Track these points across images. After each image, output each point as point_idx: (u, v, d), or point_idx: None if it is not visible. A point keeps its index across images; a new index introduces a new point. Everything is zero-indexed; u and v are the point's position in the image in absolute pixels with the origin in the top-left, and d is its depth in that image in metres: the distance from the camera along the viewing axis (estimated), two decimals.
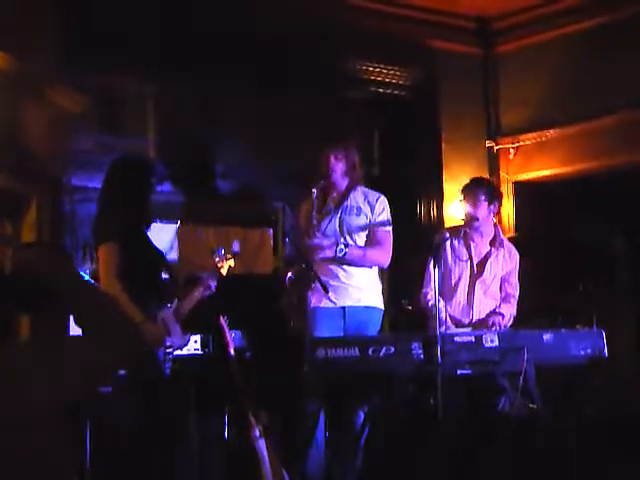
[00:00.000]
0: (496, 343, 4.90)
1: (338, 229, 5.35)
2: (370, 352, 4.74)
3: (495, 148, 8.08)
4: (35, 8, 6.00)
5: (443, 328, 5.27)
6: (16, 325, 2.56)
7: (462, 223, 5.81)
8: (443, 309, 5.46)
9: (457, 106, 7.98)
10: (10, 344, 2.48)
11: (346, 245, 5.24)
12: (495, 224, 5.77)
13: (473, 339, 4.90)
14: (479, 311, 5.56)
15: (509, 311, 5.58)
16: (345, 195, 5.41)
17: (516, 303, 5.66)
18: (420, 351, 4.78)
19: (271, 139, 7.21)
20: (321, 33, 7.15)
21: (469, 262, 5.60)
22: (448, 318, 5.51)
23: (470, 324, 5.55)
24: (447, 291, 5.60)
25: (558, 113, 7.69)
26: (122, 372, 4.38)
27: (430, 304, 5.55)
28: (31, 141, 5.90)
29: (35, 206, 6.10)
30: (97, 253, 4.60)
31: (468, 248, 5.62)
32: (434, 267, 5.01)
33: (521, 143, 7.95)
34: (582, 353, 5.09)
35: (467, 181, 5.89)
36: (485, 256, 5.62)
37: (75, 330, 2.52)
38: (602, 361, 5.12)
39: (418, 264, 5.61)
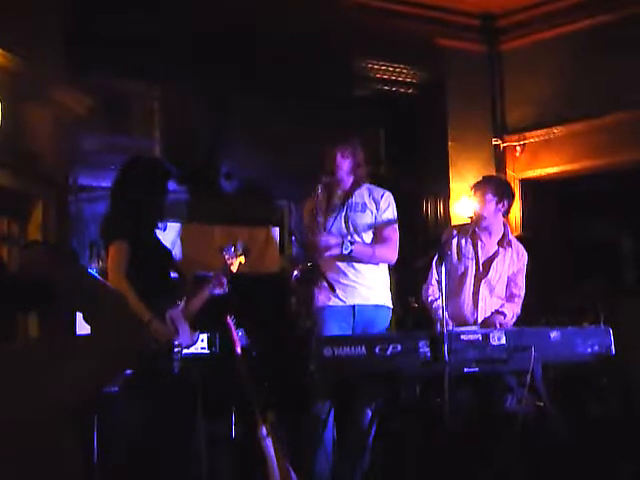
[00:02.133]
0: (503, 341, 4.88)
1: (344, 226, 5.34)
2: (377, 350, 4.72)
3: (501, 146, 8.09)
4: (43, 8, 6.01)
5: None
6: (23, 325, 2.56)
7: (470, 221, 5.79)
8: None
9: (463, 104, 7.98)
10: (16, 344, 2.49)
11: (352, 242, 5.24)
12: (504, 223, 5.73)
13: (480, 337, 4.88)
14: (484, 310, 5.54)
15: (512, 310, 5.56)
16: (350, 192, 5.40)
17: (521, 303, 5.64)
18: (427, 349, 4.76)
19: (277, 138, 7.22)
20: (327, 31, 7.15)
21: (475, 261, 5.58)
22: (447, 316, 5.48)
23: (474, 323, 5.53)
24: (452, 289, 5.58)
25: (564, 110, 7.69)
26: (129, 371, 4.39)
27: (430, 300, 5.55)
28: (37, 141, 5.92)
29: (41, 205, 6.11)
30: (106, 251, 4.60)
31: (475, 247, 5.60)
32: (440, 265, 5.00)
33: (527, 141, 7.95)
34: (589, 351, 5.06)
35: (474, 179, 5.86)
36: (492, 256, 5.59)
37: (82, 329, 2.53)
38: (609, 359, 5.10)
39: (425, 262, 5.59)
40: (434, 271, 5.58)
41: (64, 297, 2.42)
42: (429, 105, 7.96)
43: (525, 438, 4.81)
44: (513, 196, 5.77)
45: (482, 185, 5.63)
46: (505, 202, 5.61)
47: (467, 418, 4.96)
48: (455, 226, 6.11)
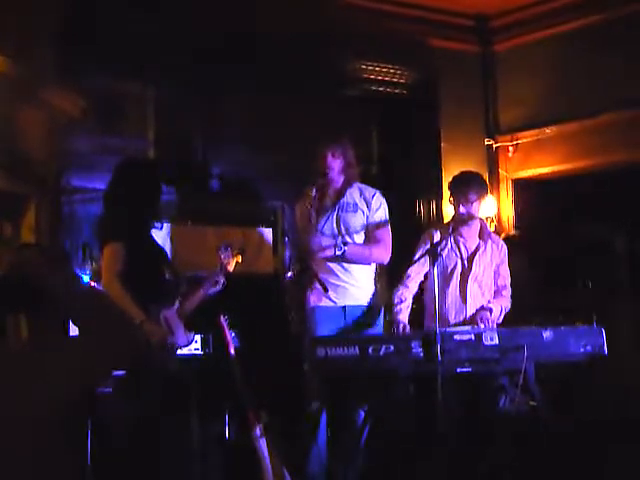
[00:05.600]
0: (496, 341, 4.90)
1: (335, 227, 5.35)
2: (370, 351, 4.74)
3: (494, 146, 8.10)
4: (35, 11, 6.00)
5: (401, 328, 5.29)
6: (16, 326, 2.56)
7: (450, 220, 5.80)
8: (407, 310, 5.46)
9: (456, 104, 7.99)
10: (7, 344, 2.49)
11: (345, 243, 5.25)
12: (480, 218, 5.76)
13: (473, 337, 4.90)
14: (473, 307, 5.54)
15: (500, 305, 5.54)
16: (341, 192, 5.42)
17: (509, 294, 5.64)
18: (420, 349, 4.78)
19: (270, 138, 7.21)
20: (320, 32, 7.15)
21: (460, 259, 5.58)
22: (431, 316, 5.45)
23: (464, 321, 5.52)
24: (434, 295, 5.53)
25: (557, 111, 7.70)
26: (123, 372, 4.39)
27: (396, 302, 5.50)
28: (30, 142, 5.91)
29: (34, 207, 6.10)
30: (101, 252, 4.60)
31: (457, 244, 5.60)
32: (432, 266, 5.01)
33: (520, 141, 7.96)
34: (582, 350, 5.08)
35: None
36: (475, 250, 5.60)
37: (75, 330, 2.53)
38: (602, 358, 5.12)
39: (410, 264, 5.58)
40: (412, 273, 5.55)
41: (54, 299, 2.43)
42: (422, 105, 7.96)
43: (518, 438, 4.82)
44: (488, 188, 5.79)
45: (468, 184, 5.59)
46: (485, 197, 5.67)
47: (460, 418, 4.97)
48: (436, 226, 6.08)
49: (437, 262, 5.07)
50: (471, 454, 4.82)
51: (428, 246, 5.37)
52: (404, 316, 5.42)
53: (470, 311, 5.51)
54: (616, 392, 6.01)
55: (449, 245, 5.57)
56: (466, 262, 5.57)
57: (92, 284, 5.59)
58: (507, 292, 5.64)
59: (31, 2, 6.07)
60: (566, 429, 5.07)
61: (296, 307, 5.26)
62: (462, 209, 5.52)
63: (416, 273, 5.55)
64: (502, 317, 5.55)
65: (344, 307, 5.28)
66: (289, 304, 5.40)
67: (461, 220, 5.56)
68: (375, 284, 5.45)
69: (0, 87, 5.76)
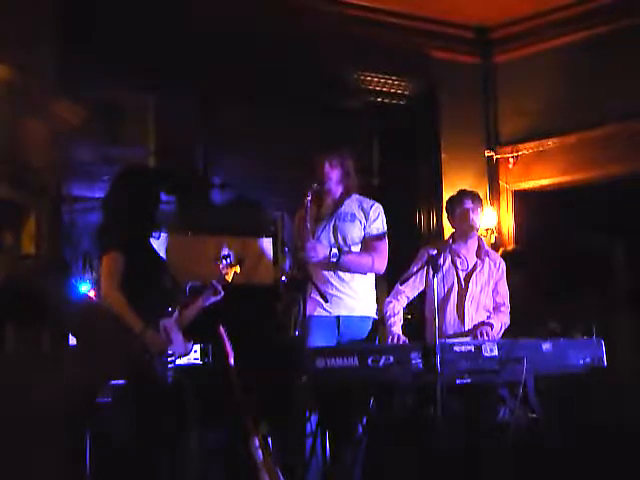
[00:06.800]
0: (495, 352, 4.90)
1: (332, 236, 5.35)
2: (369, 362, 4.73)
3: (494, 157, 8.10)
4: (35, 20, 6.01)
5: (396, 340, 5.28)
6: (15, 335, 2.56)
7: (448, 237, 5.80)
8: (399, 322, 5.45)
9: (456, 115, 8.00)
10: (7, 353, 2.50)
11: (340, 250, 5.25)
12: (478, 235, 5.76)
13: (472, 348, 4.90)
14: (472, 325, 5.53)
15: (499, 321, 5.55)
16: (339, 202, 5.42)
17: (508, 311, 5.64)
18: (419, 360, 4.78)
19: (270, 148, 7.23)
20: (321, 43, 7.17)
21: (456, 277, 5.57)
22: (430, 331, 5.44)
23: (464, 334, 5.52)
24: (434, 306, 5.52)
25: (557, 122, 7.71)
26: (122, 381, 4.39)
27: (387, 314, 5.50)
28: (31, 152, 5.92)
29: (35, 216, 6.10)
30: (100, 262, 4.59)
31: (454, 263, 5.59)
32: (433, 277, 5.00)
33: (520, 152, 7.97)
34: (581, 362, 5.09)
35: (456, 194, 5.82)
36: (472, 268, 5.59)
37: (74, 340, 2.53)
38: (601, 370, 5.12)
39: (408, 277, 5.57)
40: (405, 290, 5.54)
41: (53, 308, 2.44)
42: (422, 117, 7.98)
43: (517, 450, 4.82)
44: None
45: (470, 198, 5.62)
46: (481, 210, 5.69)
47: (459, 429, 4.97)
48: (434, 243, 6.08)
49: (437, 273, 5.05)
50: (470, 465, 4.81)
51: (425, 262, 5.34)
52: (398, 328, 5.42)
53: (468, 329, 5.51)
54: (616, 403, 6.00)
55: (447, 264, 5.56)
56: (463, 281, 5.57)
57: (92, 294, 5.60)
58: (506, 309, 5.64)
59: (31, 6, 6.08)
60: (566, 440, 5.07)
61: (289, 312, 5.26)
62: (473, 221, 5.51)
63: (410, 289, 5.55)
64: (502, 333, 5.55)
65: (338, 317, 5.28)
66: (282, 309, 5.40)
67: (459, 236, 5.57)
68: (372, 294, 5.45)
69: (1, 96, 5.77)
